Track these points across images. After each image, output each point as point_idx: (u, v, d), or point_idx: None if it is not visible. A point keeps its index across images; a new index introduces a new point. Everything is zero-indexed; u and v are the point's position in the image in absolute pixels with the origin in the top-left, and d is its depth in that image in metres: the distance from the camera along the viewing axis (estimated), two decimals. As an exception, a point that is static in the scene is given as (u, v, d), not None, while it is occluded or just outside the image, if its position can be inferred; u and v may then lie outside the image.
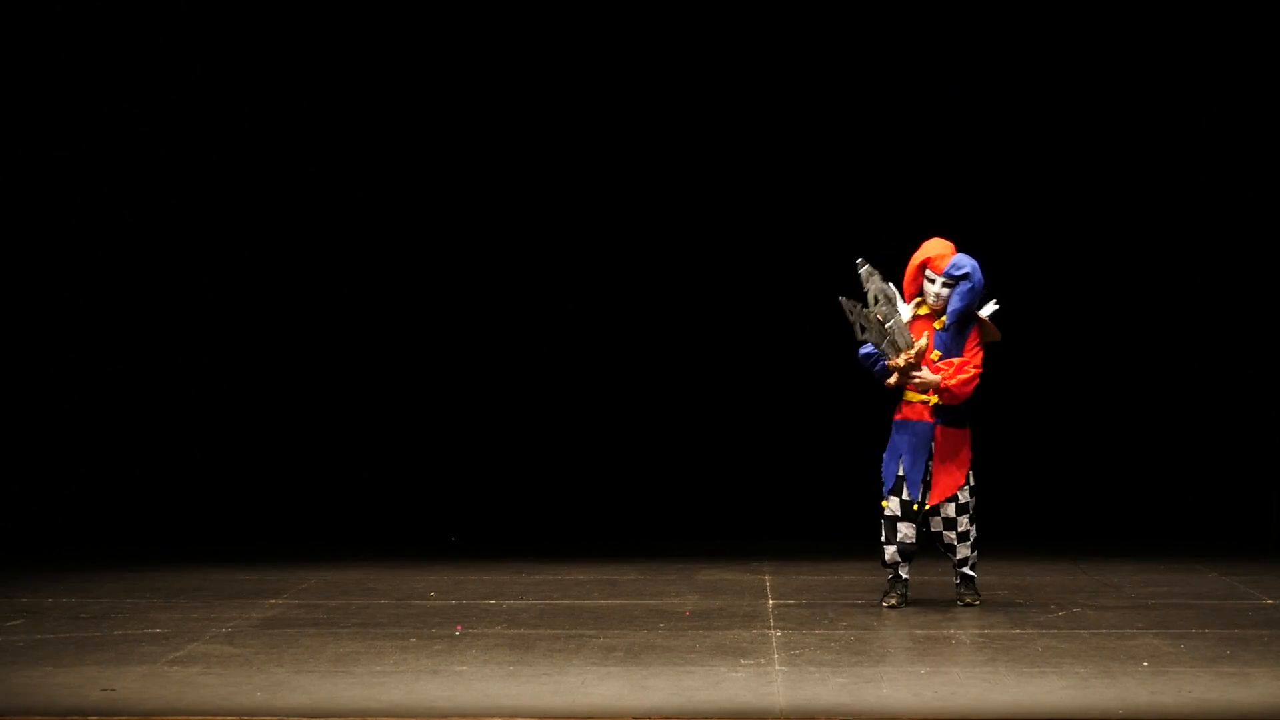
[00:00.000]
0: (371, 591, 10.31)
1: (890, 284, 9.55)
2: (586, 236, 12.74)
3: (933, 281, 9.56)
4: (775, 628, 9.15)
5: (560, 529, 12.60)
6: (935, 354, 9.57)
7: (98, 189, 12.55)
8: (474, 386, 12.77)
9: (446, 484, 12.72)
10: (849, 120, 12.63)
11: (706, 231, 12.75)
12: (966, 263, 9.54)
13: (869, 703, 7.50)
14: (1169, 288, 12.66)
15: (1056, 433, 12.63)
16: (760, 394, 12.75)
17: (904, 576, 9.74)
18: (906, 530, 9.63)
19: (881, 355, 9.50)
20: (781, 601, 9.97)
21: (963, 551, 9.69)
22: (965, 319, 9.57)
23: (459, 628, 9.11)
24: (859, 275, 9.51)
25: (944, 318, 9.58)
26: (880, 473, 9.67)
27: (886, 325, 9.47)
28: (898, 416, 9.65)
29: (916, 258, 9.62)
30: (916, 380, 9.49)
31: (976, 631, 9.09)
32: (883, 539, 9.68)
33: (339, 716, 7.25)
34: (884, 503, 9.65)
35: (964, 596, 9.77)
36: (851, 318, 9.50)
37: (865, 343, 9.54)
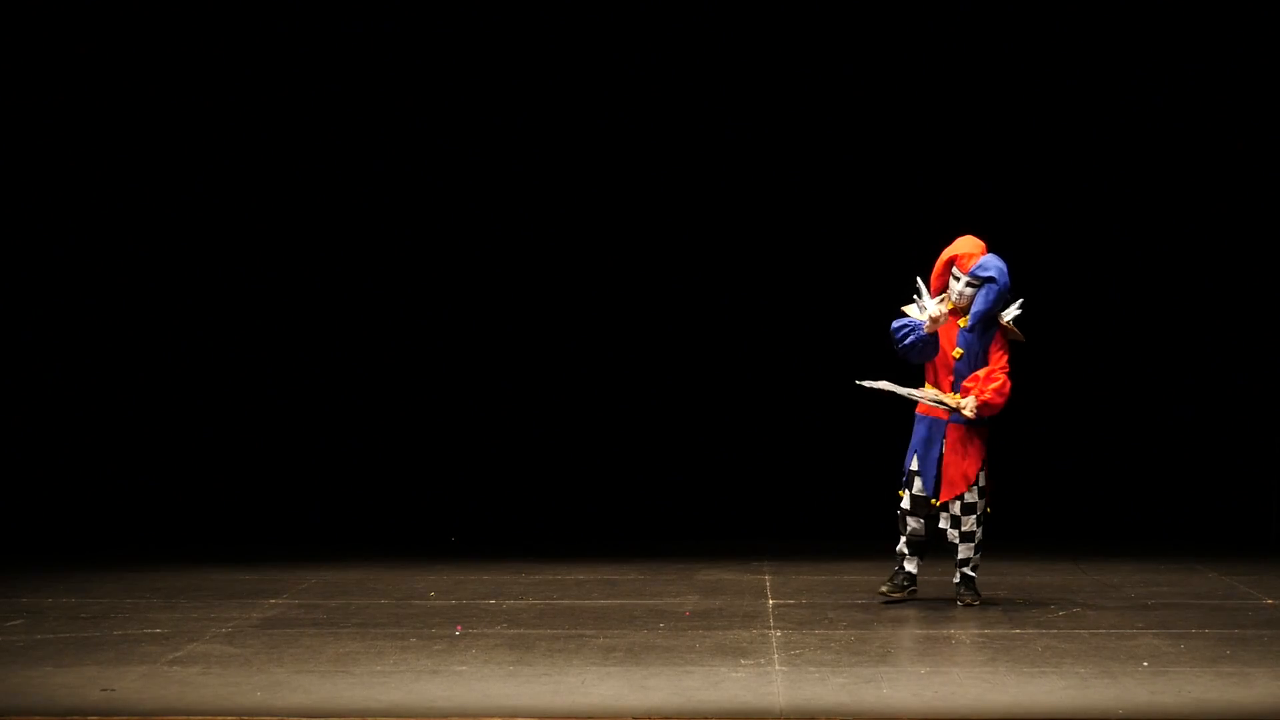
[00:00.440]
0: (371, 591, 10.31)
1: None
2: (587, 237, 12.73)
3: (957, 280, 9.58)
4: (775, 628, 9.15)
5: (560, 529, 12.60)
6: (957, 351, 9.60)
7: (98, 189, 12.54)
8: (474, 387, 12.77)
9: (446, 484, 12.72)
10: (849, 120, 12.63)
11: (707, 232, 12.74)
12: (993, 265, 9.55)
13: (869, 703, 7.50)
14: (1169, 288, 12.65)
15: (1057, 433, 12.63)
16: (760, 394, 12.74)
17: (909, 569, 9.77)
18: (916, 524, 9.67)
19: (915, 330, 9.51)
20: (781, 601, 9.97)
21: (965, 552, 9.69)
22: (989, 321, 9.59)
23: (459, 628, 9.11)
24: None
25: (967, 317, 9.60)
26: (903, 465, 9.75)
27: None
28: (918, 409, 9.68)
29: (946, 253, 9.65)
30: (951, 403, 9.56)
31: (976, 631, 9.09)
32: (899, 529, 9.74)
33: (339, 716, 7.25)
34: (900, 493, 9.70)
35: (964, 597, 9.78)
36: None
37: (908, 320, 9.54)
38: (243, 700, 7.46)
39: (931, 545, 9.77)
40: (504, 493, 12.73)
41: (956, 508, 9.63)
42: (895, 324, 9.62)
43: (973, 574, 9.78)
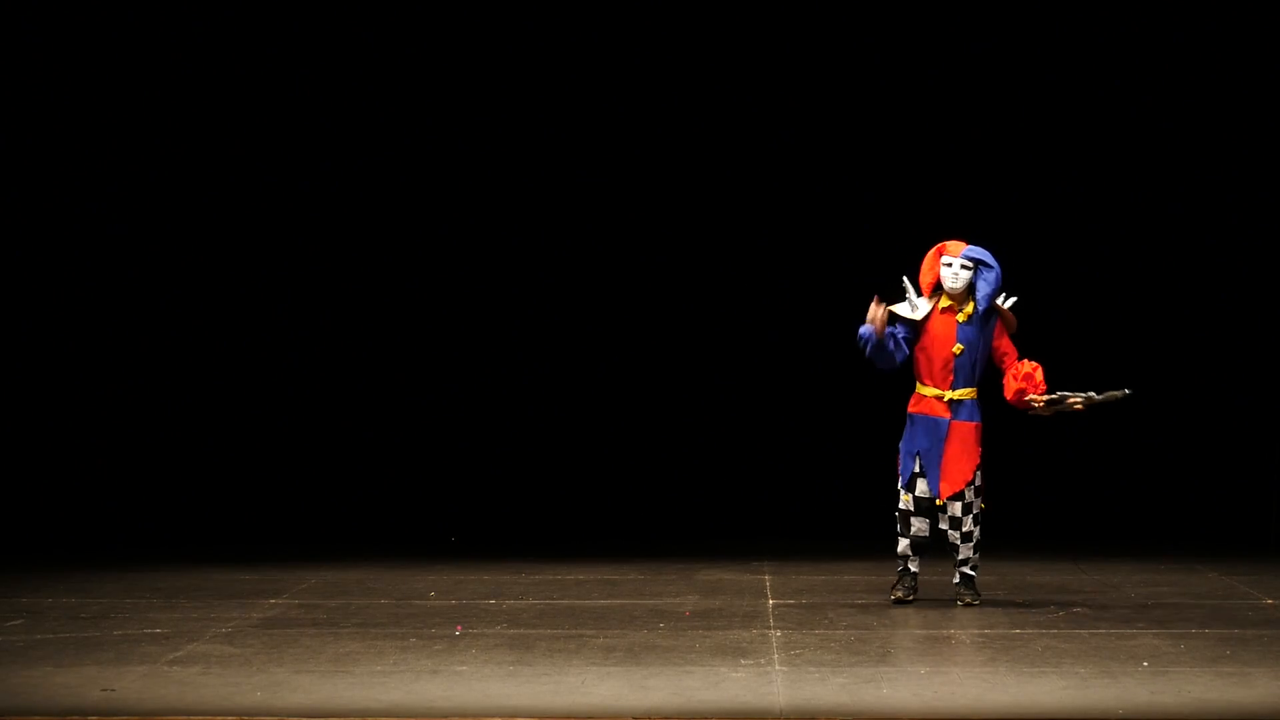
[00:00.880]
0: (371, 591, 10.31)
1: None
2: (587, 237, 12.73)
3: (949, 265, 9.57)
4: (775, 628, 9.15)
5: (560, 529, 12.60)
6: (958, 347, 9.60)
7: (98, 189, 12.54)
8: (474, 386, 12.77)
9: (446, 484, 12.72)
10: (849, 120, 12.63)
11: (707, 232, 12.74)
12: (984, 252, 9.59)
13: (869, 703, 7.50)
14: (1168, 288, 12.65)
15: (1057, 433, 12.61)
16: (760, 394, 12.74)
17: (914, 570, 9.78)
18: (920, 524, 9.66)
19: (867, 340, 9.49)
20: (781, 601, 9.97)
21: (965, 552, 9.70)
22: (988, 312, 9.61)
23: (459, 628, 9.11)
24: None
25: (968, 308, 9.58)
26: (897, 465, 9.70)
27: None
28: (912, 409, 9.67)
29: (932, 250, 9.65)
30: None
31: (976, 631, 9.09)
32: (898, 530, 9.71)
33: (339, 716, 7.25)
34: (904, 495, 9.69)
35: (963, 596, 9.78)
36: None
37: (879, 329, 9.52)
38: (243, 700, 7.46)
39: (932, 546, 9.76)
40: (504, 493, 12.73)
41: (956, 508, 9.63)
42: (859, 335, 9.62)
43: (972, 574, 9.78)
